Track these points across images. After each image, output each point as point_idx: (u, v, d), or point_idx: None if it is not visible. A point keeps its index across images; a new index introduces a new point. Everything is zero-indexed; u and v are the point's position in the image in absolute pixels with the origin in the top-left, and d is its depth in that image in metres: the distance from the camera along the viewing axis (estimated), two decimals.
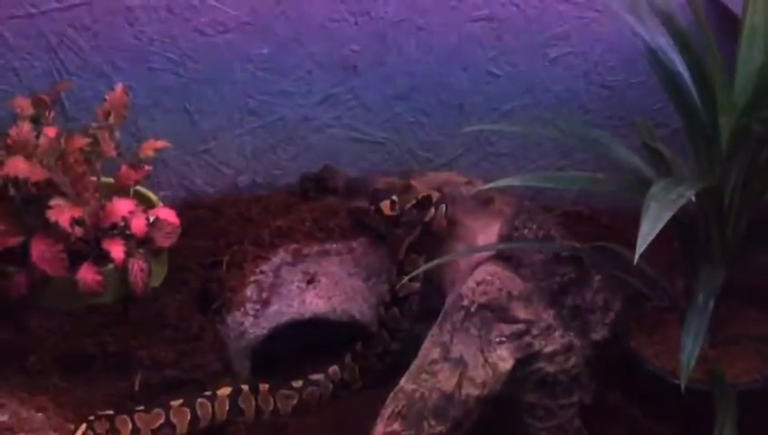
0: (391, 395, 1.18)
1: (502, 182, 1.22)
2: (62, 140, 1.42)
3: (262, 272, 1.48)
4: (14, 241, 1.35)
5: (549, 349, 1.24)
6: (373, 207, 1.47)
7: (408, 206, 1.44)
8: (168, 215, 1.46)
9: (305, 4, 1.55)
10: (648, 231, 1.03)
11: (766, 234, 1.27)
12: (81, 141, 1.40)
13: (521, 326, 1.23)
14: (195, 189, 1.64)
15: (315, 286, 1.46)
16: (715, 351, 1.29)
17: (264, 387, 1.37)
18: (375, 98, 1.63)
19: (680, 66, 1.22)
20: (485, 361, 1.20)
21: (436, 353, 1.21)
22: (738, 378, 1.28)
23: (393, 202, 1.43)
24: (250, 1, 1.55)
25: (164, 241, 1.45)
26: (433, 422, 1.17)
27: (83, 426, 1.20)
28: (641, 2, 1.25)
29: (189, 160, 1.62)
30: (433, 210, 1.41)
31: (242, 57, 1.57)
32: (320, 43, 1.57)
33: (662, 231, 1.06)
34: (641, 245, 1.02)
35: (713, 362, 1.26)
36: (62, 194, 1.37)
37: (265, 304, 1.45)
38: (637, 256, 1.02)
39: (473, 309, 1.23)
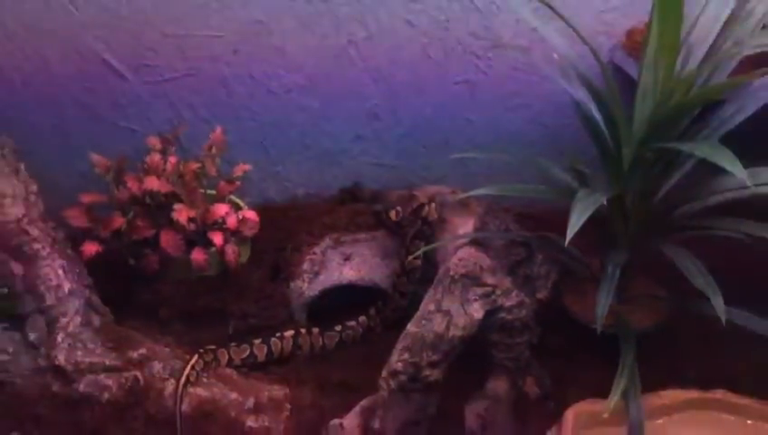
0: (402, 335, 1.12)
1: (475, 192, 1.15)
2: (181, 165, 1.35)
3: (313, 253, 1.41)
4: (149, 233, 1.30)
5: (508, 304, 1.15)
6: (384, 214, 1.41)
7: (410, 210, 1.36)
8: (251, 215, 1.39)
9: (341, 74, 1.48)
10: (574, 223, 0.99)
11: (655, 227, 1.20)
12: (194, 166, 1.34)
13: (488, 289, 1.15)
14: (268, 198, 1.59)
15: (350, 263, 1.40)
16: (621, 306, 1.23)
17: (315, 330, 1.32)
18: (390, 136, 1.55)
19: (595, 112, 1.16)
20: (465, 312, 1.12)
21: (431, 307, 1.13)
22: (637, 324, 1.20)
23: (397, 211, 1.38)
24: (305, 71, 1.47)
25: (248, 232, 1.39)
26: (430, 353, 1.09)
27: (195, 356, 1.17)
28: (569, 70, 1.18)
29: (265, 178, 1.57)
30: (427, 208, 1.33)
31: (300, 108, 1.50)
32: (352, 100, 1.50)
33: (584, 225, 0.99)
34: (570, 233, 0.98)
35: (619, 314, 1.20)
36: (181, 201, 1.31)
37: (316, 274, 1.39)
38: (567, 240, 0.97)
39: (456, 277, 1.14)
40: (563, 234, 0.99)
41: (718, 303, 1.01)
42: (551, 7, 1.09)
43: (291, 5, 1.41)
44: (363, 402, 1.14)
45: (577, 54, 1.18)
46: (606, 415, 1.05)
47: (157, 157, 1.31)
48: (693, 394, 1.12)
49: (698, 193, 1.17)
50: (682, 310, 1.21)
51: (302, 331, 1.31)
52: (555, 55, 1.19)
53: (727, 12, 1.13)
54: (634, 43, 1.36)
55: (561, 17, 1.07)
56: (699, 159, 1.12)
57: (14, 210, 1.17)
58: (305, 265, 1.39)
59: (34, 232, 1.18)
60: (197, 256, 1.30)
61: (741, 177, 0.91)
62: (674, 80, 1.07)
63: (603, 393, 1.08)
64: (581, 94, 1.17)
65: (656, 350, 1.20)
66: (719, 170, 0.95)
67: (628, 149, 1.12)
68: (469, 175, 1.54)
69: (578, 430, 1.09)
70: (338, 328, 1.33)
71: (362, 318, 1.35)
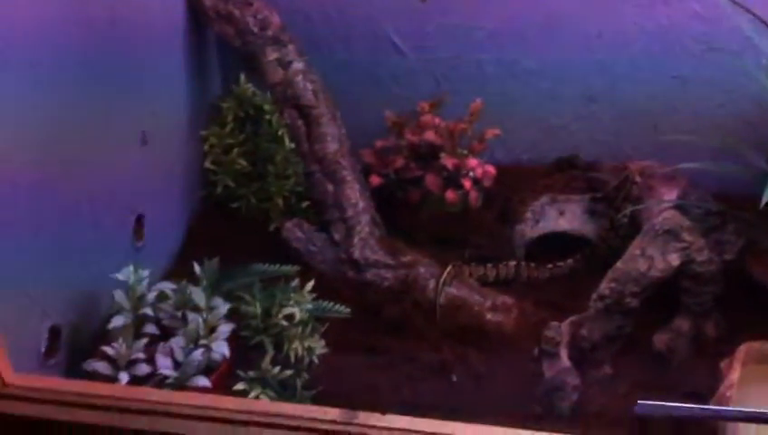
0: (611, 270, 1.37)
1: (680, 165, 1.39)
2: (449, 126, 1.65)
3: (534, 205, 1.68)
4: (418, 173, 1.61)
5: (699, 259, 1.37)
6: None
7: (622, 178, 1.61)
8: (491, 169, 1.65)
9: (570, 63, 1.75)
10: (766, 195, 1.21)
11: None
12: (461, 126, 1.64)
13: (685, 244, 1.37)
14: (497, 159, 1.79)
15: (564, 216, 1.68)
16: None
17: (532, 264, 1.59)
18: (606, 117, 1.76)
19: None
20: (664, 259, 1.36)
21: (637, 251, 1.37)
22: None
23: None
24: (540, 57, 1.76)
25: (487, 183, 1.66)
26: (632, 285, 1.35)
27: (450, 266, 1.50)
28: None
29: (496, 143, 1.76)
30: (637, 177, 1.58)
31: (532, 88, 1.78)
32: (578, 85, 1.76)
33: None
34: (763, 202, 1.19)
35: None
36: (446, 152, 1.63)
37: (536, 222, 1.67)
38: (762, 205, 1.16)
39: (660, 231, 1.37)
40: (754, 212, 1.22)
41: None
42: (761, 20, 1.34)
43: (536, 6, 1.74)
44: (572, 318, 1.48)
45: None
46: None
47: (428, 117, 1.63)
48: None
49: None
50: None
51: (522, 263, 1.60)
52: (765, 61, 1.43)
53: None
54: None
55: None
56: None
57: (333, 145, 1.64)
58: (528, 214, 1.68)
59: (344, 162, 1.64)
60: (451, 195, 1.61)
61: None
62: None
63: None
64: None
65: None
66: None
67: None
68: (673, 156, 1.66)
69: (748, 363, 1.36)
70: (550, 266, 1.61)
71: (570, 260, 1.62)
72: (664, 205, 1.49)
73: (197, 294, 1.27)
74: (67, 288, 1.25)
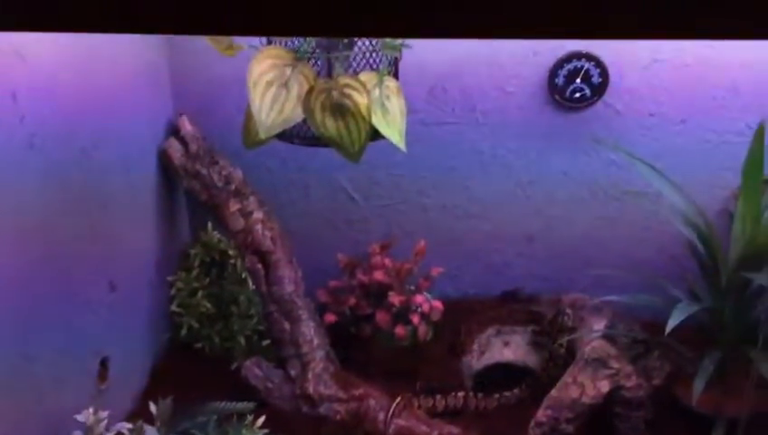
0: (546, 398, 1.50)
1: (606, 298, 1.54)
2: (395, 266, 1.78)
3: (480, 337, 1.80)
4: (369, 311, 1.72)
5: (628, 384, 1.49)
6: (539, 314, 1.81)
7: (556, 311, 1.75)
8: (438, 305, 1.74)
9: (509, 208, 2.00)
10: (672, 321, 1.33)
11: (747, 336, 1.56)
12: (407, 266, 1.75)
13: (613, 371, 1.49)
14: (447, 295, 1.91)
15: (508, 347, 1.80)
16: (721, 396, 1.48)
17: (480, 395, 1.67)
18: (544, 256, 1.94)
19: (701, 249, 1.54)
20: (594, 386, 1.48)
21: (570, 379, 1.49)
22: (733, 410, 1.44)
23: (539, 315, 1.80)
24: (482, 203, 1.97)
25: (435, 318, 1.74)
26: (567, 413, 1.46)
27: (399, 398, 1.57)
28: (682, 216, 1.61)
29: (445, 280, 1.90)
30: (569, 310, 1.72)
31: (476, 230, 1.97)
32: (517, 227, 1.94)
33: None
34: (668, 327, 1.32)
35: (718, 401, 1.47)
36: (395, 290, 1.73)
37: (482, 353, 1.78)
38: (666, 331, 1.29)
39: (589, 360, 1.50)
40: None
41: None
42: (665, 177, 1.54)
43: (474, 157, 1.96)
44: None
45: (689, 203, 1.59)
46: None
47: (378, 258, 1.75)
48: None
49: None
50: None
51: (470, 394, 1.68)
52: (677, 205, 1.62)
53: None
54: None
55: (670, 181, 1.52)
56: None
57: (289, 287, 1.77)
58: (474, 346, 1.78)
59: (299, 302, 1.76)
60: (400, 330, 1.71)
61: None
62: (759, 229, 1.48)
63: None
64: (692, 236, 1.57)
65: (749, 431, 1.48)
66: None
67: (725, 277, 1.50)
68: (605, 289, 1.75)
69: None
70: (497, 396, 1.69)
71: (516, 390, 1.71)
72: (593, 335, 1.60)
73: (152, 434, 1.34)
74: (26, 428, 1.27)
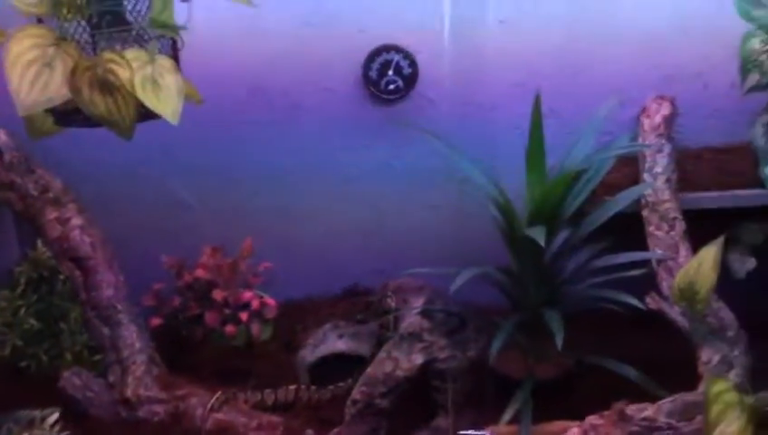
0: (362, 376, 1.51)
1: (412, 271, 1.58)
2: (218, 262, 1.76)
3: (316, 332, 1.82)
4: (197, 311, 1.70)
5: (442, 356, 1.52)
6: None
7: (380, 295, 1.78)
8: (270, 301, 1.73)
9: (344, 209, 2.01)
10: (458, 281, 1.40)
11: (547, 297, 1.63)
12: (228, 261, 1.75)
13: (426, 343, 1.52)
14: (291, 296, 1.94)
15: (342, 339, 1.82)
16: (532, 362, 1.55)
17: (313, 387, 1.68)
18: (378, 252, 1.97)
19: (503, 222, 1.62)
20: (408, 359, 1.50)
21: (384, 355, 1.51)
22: (541, 374, 1.52)
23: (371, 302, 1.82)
24: (309, 203, 2.04)
25: (269, 315, 1.74)
26: (381, 387, 1.47)
27: (219, 393, 1.54)
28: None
29: (289, 281, 1.89)
30: (391, 293, 1.74)
31: (312, 233, 2.05)
32: (353, 227, 2.00)
33: None
34: (453, 287, 1.38)
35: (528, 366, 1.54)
36: (220, 287, 1.73)
37: (315, 347, 1.80)
38: (452, 290, 1.36)
39: (404, 335, 1.53)
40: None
41: None
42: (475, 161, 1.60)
43: (301, 155, 1.97)
44: (336, 430, 1.55)
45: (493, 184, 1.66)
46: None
47: (205, 257, 1.74)
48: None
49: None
50: (579, 364, 1.57)
51: (302, 386, 1.68)
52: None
53: None
54: None
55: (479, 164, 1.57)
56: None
57: (109, 292, 1.72)
58: (309, 340, 1.81)
59: (120, 306, 1.71)
60: (229, 329, 1.71)
61: None
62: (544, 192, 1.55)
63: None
64: (496, 213, 1.63)
65: (554, 393, 1.54)
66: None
67: (519, 242, 1.56)
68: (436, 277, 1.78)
69: None
70: (331, 387, 1.70)
71: (350, 380, 1.70)
72: (412, 311, 1.62)
73: None
74: None
